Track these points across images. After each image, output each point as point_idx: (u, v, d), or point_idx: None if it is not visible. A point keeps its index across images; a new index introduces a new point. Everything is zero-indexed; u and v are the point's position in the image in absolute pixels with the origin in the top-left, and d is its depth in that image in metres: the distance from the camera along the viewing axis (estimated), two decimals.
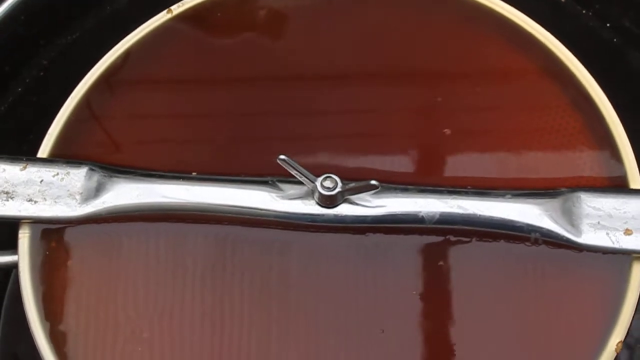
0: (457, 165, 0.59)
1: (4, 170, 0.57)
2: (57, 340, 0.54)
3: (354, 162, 0.59)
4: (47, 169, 0.57)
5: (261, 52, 0.64)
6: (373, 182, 0.53)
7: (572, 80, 0.61)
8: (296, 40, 0.65)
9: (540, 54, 0.62)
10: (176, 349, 0.54)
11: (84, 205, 0.56)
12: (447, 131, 0.59)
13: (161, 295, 0.55)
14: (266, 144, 0.60)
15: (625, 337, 0.53)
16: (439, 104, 0.61)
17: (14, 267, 0.58)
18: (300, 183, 0.55)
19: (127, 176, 0.57)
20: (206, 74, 0.64)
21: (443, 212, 0.55)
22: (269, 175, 0.57)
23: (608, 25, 0.72)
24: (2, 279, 0.73)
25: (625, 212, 0.55)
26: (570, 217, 0.55)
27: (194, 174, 0.57)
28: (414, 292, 0.55)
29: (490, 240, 0.55)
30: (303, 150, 0.59)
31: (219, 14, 0.66)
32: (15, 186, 0.57)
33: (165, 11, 0.64)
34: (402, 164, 0.59)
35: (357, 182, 0.54)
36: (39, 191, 0.57)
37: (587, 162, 0.58)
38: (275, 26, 0.66)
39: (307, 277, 0.56)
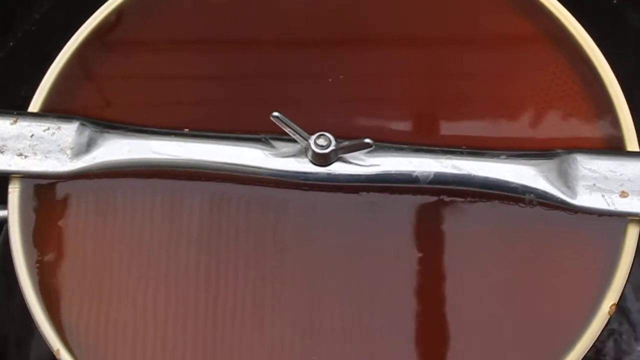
0: (453, 125, 0.59)
1: None
2: (46, 295, 0.54)
3: (348, 121, 0.58)
4: (38, 124, 0.57)
5: (257, 13, 0.64)
6: (367, 140, 0.53)
7: (570, 42, 0.61)
8: (293, 2, 0.64)
9: (539, 16, 0.62)
10: (167, 307, 0.54)
11: (75, 160, 0.56)
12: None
13: (153, 253, 0.55)
14: (260, 104, 0.60)
15: (619, 300, 0.53)
16: (436, 66, 0.61)
17: (3, 222, 0.58)
18: (294, 141, 0.55)
19: (119, 131, 0.57)
20: (201, 34, 0.63)
21: (437, 172, 0.55)
22: (262, 133, 0.56)
23: None
24: None
25: (621, 175, 0.54)
26: (565, 178, 0.55)
27: (186, 130, 0.57)
28: (408, 252, 0.55)
29: (484, 200, 0.55)
30: (297, 110, 0.59)
31: None
32: (6, 140, 0.56)
33: None
34: (397, 124, 0.59)
35: (351, 140, 0.54)
36: (29, 146, 0.56)
37: (584, 124, 0.58)
38: None
39: (301, 236, 0.55)
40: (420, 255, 0.55)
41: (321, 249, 0.55)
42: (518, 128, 0.58)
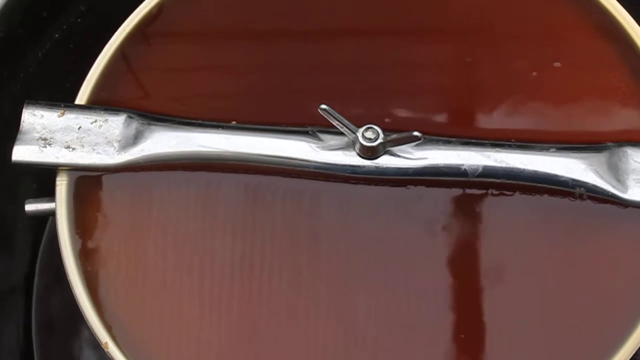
0: (501, 118, 0.58)
1: (42, 116, 0.57)
2: (94, 288, 0.54)
3: (395, 113, 0.58)
4: (85, 116, 0.57)
5: (302, 3, 0.63)
6: (415, 133, 0.52)
7: (620, 33, 0.60)
8: None
9: (587, 7, 0.61)
10: (209, 300, 0.54)
11: (122, 152, 0.56)
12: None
13: (198, 245, 0.55)
14: (307, 95, 0.59)
15: None
16: (483, 58, 0.60)
17: (50, 214, 0.58)
18: (341, 134, 0.54)
19: (166, 124, 0.56)
20: (245, 24, 0.63)
21: (486, 165, 0.54)
22: (309, 125, 0.56)
23: None
24: (39, 227, 0.73)
25: None
26: (616, 172, 0.54)
27: (233, 122, 0.57)
28: (453, 245, 0.54)
29: (533, 194, 0.55)
30: (344, 100, 0.58)
31: None
32: (53, 132, 0.56)
33: None
34: (444, 116, 0.59)
35: (399, 133, 0.54)
36: (76, 138, 0.56)
37: (634, 116, 0.57)
38: None
39: (345, 229, 0.55)
40: (466, 249, 0.54)
41: (365, 242, 0.55)
42: (567, 121, 0.57)
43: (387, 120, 0.57)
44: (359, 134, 0.54)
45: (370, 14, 0.62)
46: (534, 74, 0.59)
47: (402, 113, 0.58)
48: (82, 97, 0.59)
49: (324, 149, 0.55)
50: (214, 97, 0.60)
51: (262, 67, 0.61)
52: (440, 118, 0.58)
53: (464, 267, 0.54)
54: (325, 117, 0.53)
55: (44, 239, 0.74)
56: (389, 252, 0.55)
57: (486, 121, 0.58)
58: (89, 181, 0.56)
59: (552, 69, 0.59)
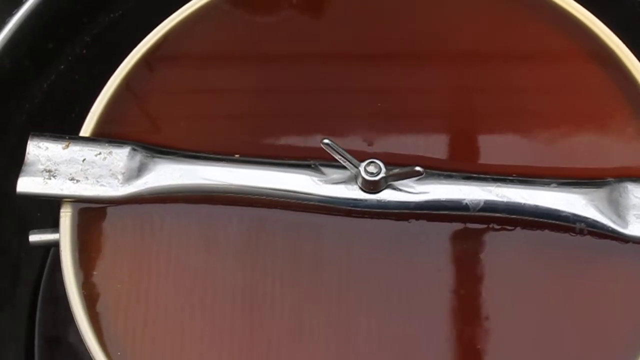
0: (502, 151, 0.58)
1: (47, 148, 0.57)
2: (96, 318, 0.54)
3: (397, 146, 0.58)
4: (90, 148, 0.57)
5: (304, 30, 0.64)
6: (417, 168, 0.53)
7: (619, 66, 0.60)
8: (338, 20, 0.64)
9: (588, 39, 0.61)
10: (211, 331, 0.54)
11: (126, 185, 0.56)
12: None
13: (200, 277, 0.55)
14: (309, 125, 0.60)
15: None
16: (484, 88, 0.61)
17: (54, 245, 0.58)
18: (344, 167, 0.55)
19: (170, 157, 0.57)
20: (249, 54, 0.64)
21: (487, 200, 0.55)
22: (312, 159, 0.56)
23: None
24: (42, 257, 0.74)
25: None
26: (616, 207, 0.54)
27: (236, 156, 0.57)
28: (455, 279, 0.55)
29: (534, 229, 0.55)
30: (346, 132, 0.59)
31: None
32: (58, 164, 0.57)
33: None
34: (445, 149, 0.59)
35: (401, 167, 0.54)
36: (81, 170, 0.56)
37: (634, 151, 0.57)
38: (317, 5, 0.65)
39: (347, 262, 0.55)
40: (467, 283, 0.55)
41: (366, 275, 0.55)
42: (568, 156, 0.58)
43: (388, 152, 0.57)
44: (361, 168, 0.54)
45: (372, 43, 0.63)
46: (536, 108, 0.60)
47: (404, 146, 0.58)
48: (86, 129, 0.59)
49: (327, 183, 0.56)
50: (218, 130, 0.60)
51: (264, 97, 0.61)
52: (442, 152, 0.58)
53: (464, 300, 0.54)
54: (328, 151, 0.54)
55: (47, 268, 0.74)
56: (391, 283, 0.55)
57: (487, 155, 0.58)
58: (92, 213, 0.57)
59: (554, 104, 0.60)
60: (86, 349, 0.54)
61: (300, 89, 0.62)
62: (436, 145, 0.59)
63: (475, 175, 0.56)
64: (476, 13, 0.63)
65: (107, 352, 0.53)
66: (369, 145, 0.58)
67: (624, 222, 0.54)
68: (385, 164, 0.54)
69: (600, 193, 0.55)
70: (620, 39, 0.61)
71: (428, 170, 0.55)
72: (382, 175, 0.54)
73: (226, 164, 0.56)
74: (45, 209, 0.69)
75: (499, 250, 0.55)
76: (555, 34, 0.62)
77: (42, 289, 0.73)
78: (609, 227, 0.54)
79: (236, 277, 0.55)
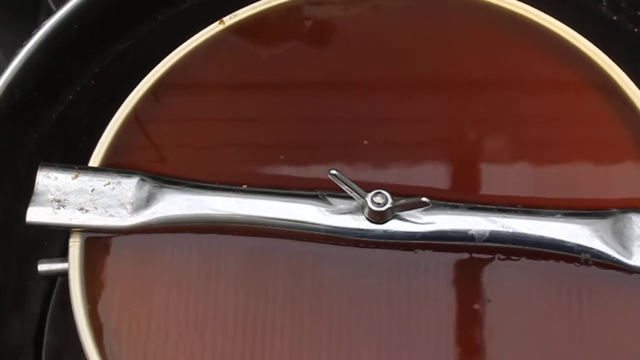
0: (507, 182, 0.59)
1: (56, 178, 0.57)
2: (105, 349, 0.55)
3: (403, 177, 0.59)
4: (99, 178, 0.57)
5: (309, 61, 0.65)
6: (424, 199, 0.53)
7: (621, 96, 0.61)
8: (343, 51, 0.65)
9: (591, 70, 0.62)
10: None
11: (135, 215, 0.57)
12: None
13: (206, 307, 0.56)
14: (316, 154, 0.61)
15: None
16: (489, 119, 0.61)
17: (62, 274, 0.59)
18: (350, 198, 0.55)
19: (178, 187, 0.57)
20: (255, 84, 0.64)
21: (493, 231, 0.55)
22: (319, 189, 0.57)
23: None
24: (48, 287, 0.74)
25: None
26: (621, 238, 0.55)
27: (244, 186, 0.58)
28: (459, 308, 0.55)
29: (539, 259, 0.55)
30: (352, 162, 0.59)
31: (269, 25, 0.66)
32: (67, 195, 0.57)
33: (217, 22, 0.65)
34: (451, 179, 0.59)
35: (408, 198, 0.54)
36: (90, 200, 0.57)
37: (638, 181, 0.58)
38: (322, 36, 0.66)
39: (353, 292, 0.56)
40: (471, 312, 0.55)
41: (373, 305, 0.55)
42: (572, 186, 0.58)
43: (394, 183, 0.58)
44: (368, 199, 0.54)
45: (376, 73, 0.63)
46: (540, 139, 0.60)
47: (410, 177, 0.59)
48: (95, 159, 0.60)
49: (334, 213, 0.56)
50: (225, 159, 0.61)
51: (272, 128, 0.62)
52: (447, 182, 0.59)
53: (468, 330, 0.55)
54: (335, 182, 0.54)
55: (54, 296, 0.75)
56: (395, 314, 0.55)
57: (492, 185, 0.59)
58: (101, 242, 0.57)
59: (557, 135, 0.60)
60: None
61: (307, 119, 0.62)
62: (442, 176, 0.59)
63: (480, 205, 0.56)
64: (478, 43, 0.64)
65: None
66: (375, 175, 0.59)
67: (629, 252, 0.54)
68: (392, 195, 0.55)
69: (605, 224, 0.55)
70: (624, 70, 0.62)
71: (434, 201, 0.55)
72: (388, 205, 0.54)
73: (234, 194, 0.57)
74: (53, 237, 0.69)
75: (504, 280, 0.55)
76: (558, 65, 0.63)
77: (49, 317, 0.73)
78: (614, 257, 0.54)
79: (243, 308, 0.55)
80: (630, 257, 0.54)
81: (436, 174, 0.59)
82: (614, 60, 0.62)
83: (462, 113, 0.62)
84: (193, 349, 0.55)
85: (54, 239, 0.69)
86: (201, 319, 0.55)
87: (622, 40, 0.71)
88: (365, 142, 0.60)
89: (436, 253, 0.56)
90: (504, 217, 0.55)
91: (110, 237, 0.57)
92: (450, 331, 0.54)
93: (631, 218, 0.55)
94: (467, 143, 0.61)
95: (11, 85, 0.64)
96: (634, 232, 0.55)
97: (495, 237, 0.55)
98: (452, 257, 0.56)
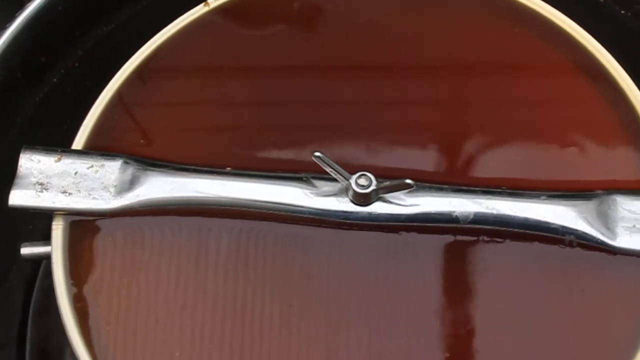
0: (492, 164, 0.59)
1: (39, 161, 0.57)
2: (88, 331, 0.54)
3: (388, 159, 0.59)
4: (82, 161, 0.57)
5: (296, 43, 0.64)
6: (408, 181, 0.53)
7: (607, 78, 0.61)
8: (329, 33, 0.65)
9: (578, 53, 0.62)
10: (202, 344, 0.54)
11: (118, 198, 0.56)
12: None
13: (191, 289, 0.55)
14: (300, 137, 0.60)
15: None
16: (474, 101, 0.61)
17: (45, 258, 0.59)
18: (335, 180, 0.55)
19: (162, 170, 0.57)
20: (240, 67, 0.64)
21: (477, 212, 0.55)
22: (303, 172, 0.57)
23: None
24: (32, 271, 0.74)
25: None
26: (605, 219, 0.55)
27: (228, 169, 0.57)
28: (443, 291, 0.55)
29: (523, 241, 0.55)
30: (337, 144, 0.59)
31: (255, 6, 0.65)
32: (50, 177, 0.57)
33: (202, 4, 0.64)
34: (435, 161, 0.59)
35: (392, 180, 0.54)
36: (73, 183, 0.57)
37: (623, 163, 0.58)
38: (309, 18, 0.66)
39: (338, 273, 0.55)
40: (456, 294, 0.55)
41: (357, 287, 0.55)
42: (557, 168, 0.58)
43: (379, 165, 0.58)
44: (352, 181, 0.54)
45: (363, 56, 0.63)
46: (525, 121, 0.60)
47: (395, 159, 0.59)
48: (78, 142, 0.59)
49: (318, 195, 0.56)
50: (210, 142, 0.61)
51: (256, 110, 0.62)
52: (432, 164, 0.59)
53: (454, 312, 0.55)
54: (319, 164, 0.54)
55: (38, 280, 0.74)
56: (380, 296, 0.55)
57: (477, 167, 0.59)
58: (84, 226, 0.57)
59: (543, 117, 0.60)
60: None
61: (291, 102, 0.62)
62: (427, 158, 0.59)
63: (465, 187, 0.56)
64: (466, 27, 0.64)
65: None
66: (360, 157, 0.58)
67: (613, 234, 0.54)
68: (376, 177, 0.55)
69: (589, 205, 0.55)
70: (611, 53, 0.61)
71: (419, 183, 0.55)
72: (372, 187, 0.54)
73: (218, 177, 0.57)
74: (36, 221, 0.69)
75: (489, 262, 0.55)
76: (545, 48, 0.63)
77: (33, 301, 0.73)
78: (598, 239, 0.54)
79: (226, 289, 0.55)
80: (614, 239, 0.54)
81: (421, 157, 0.59)
82: (601, 43, 0.62)
83: (447, 96, 0.62)
84: (177, 331, 0.55)
85: (38, 222, 0.69)
86: (186, 301, 0.55)
87: (610, 23, 0.71)
88: (350, 125, 0.60)
89: (421, 235, 0.56)
90: (489, 198, 0.55)
91: (93, 220, 0.57)
92: (435, 312, 0.54)
93: (616, 200, 0.55)
94: (452, 126, 0.61)
95: None
96: (618, 214, 0.55)
97: (479, 219, 0.55)
98: (437, 239, 0.56)
